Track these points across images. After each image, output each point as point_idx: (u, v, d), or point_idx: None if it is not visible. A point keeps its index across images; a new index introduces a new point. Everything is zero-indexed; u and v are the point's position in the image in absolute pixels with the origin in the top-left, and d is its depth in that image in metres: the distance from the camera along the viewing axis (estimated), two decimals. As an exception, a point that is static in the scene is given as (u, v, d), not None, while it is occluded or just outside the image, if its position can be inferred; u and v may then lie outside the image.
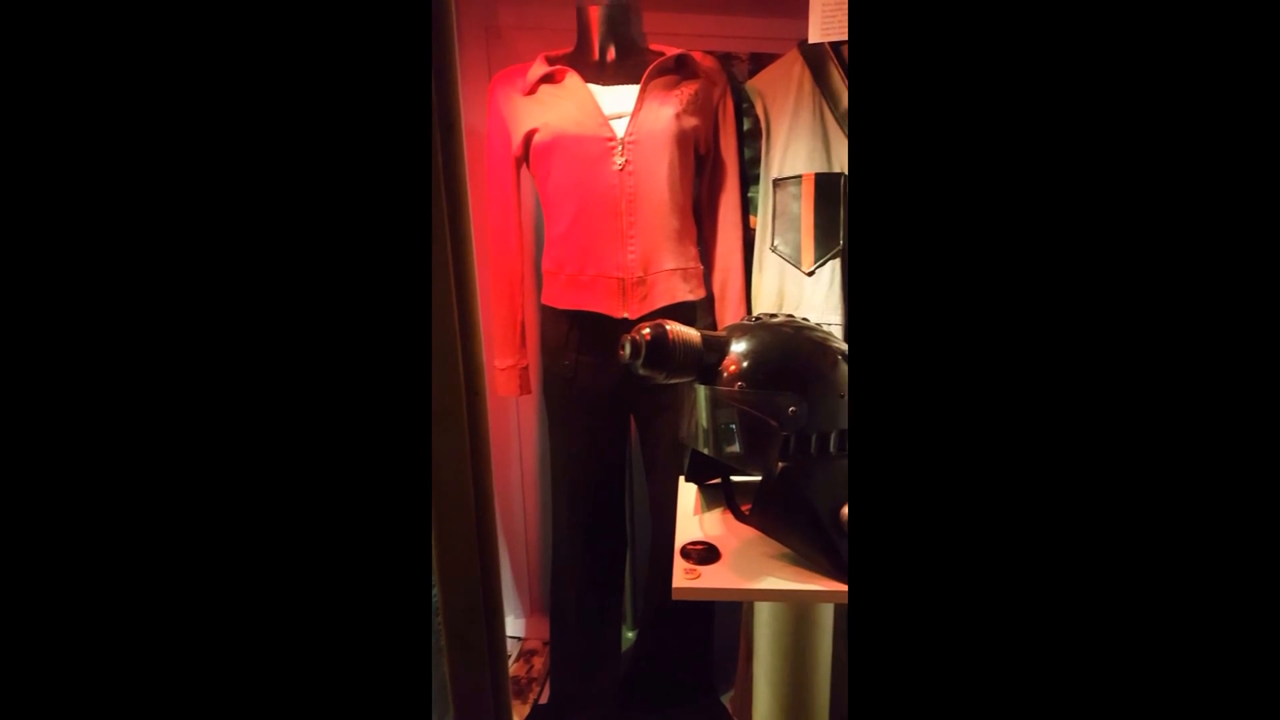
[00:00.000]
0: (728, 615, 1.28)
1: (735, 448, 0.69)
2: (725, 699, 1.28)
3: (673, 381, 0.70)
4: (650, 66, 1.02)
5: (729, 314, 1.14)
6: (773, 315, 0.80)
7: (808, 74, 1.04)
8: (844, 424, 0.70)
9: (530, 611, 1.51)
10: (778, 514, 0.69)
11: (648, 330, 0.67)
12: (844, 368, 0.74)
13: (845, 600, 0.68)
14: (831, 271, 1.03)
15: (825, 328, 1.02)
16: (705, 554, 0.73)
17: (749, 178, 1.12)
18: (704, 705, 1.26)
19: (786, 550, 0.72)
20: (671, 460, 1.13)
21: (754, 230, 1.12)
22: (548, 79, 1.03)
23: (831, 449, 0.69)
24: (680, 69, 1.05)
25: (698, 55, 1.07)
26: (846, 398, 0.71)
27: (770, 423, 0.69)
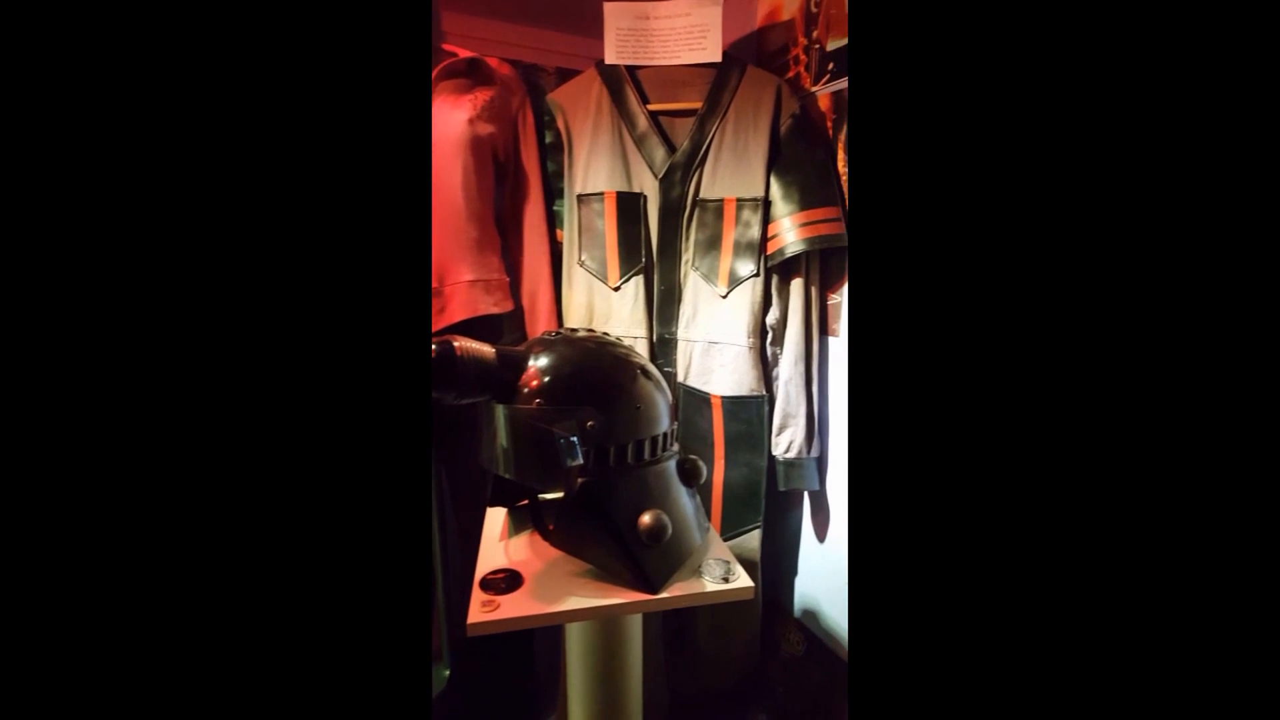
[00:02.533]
0: (551, 635, 1.25)
1: (535, 467, 0.68)
2: (551, 722, 1.25)
3: (465, 401, 0.66)
4: (439, 67, 0.97)
5: (540, 326, 1.13)
6: (574, 330, 0.81)
7: (605, 94, 1.08)
8: (641, 434, 0.73)
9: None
10: (579, 531, 0.69)
11: (434, 347, 0.62)
12: (643, 381, 0.77)
13: (648, 609, 0.71)
14: (636, 287, 1.08)
15: (629, 341, 1.06)
16: (507, 582, 0.70)
17: (554, 191, 1.12)
18: (529, 734, 1.22)
19: (590, 567, 0.72)
20: (480, 487, 1.07)
21: (562, 243, 1.12)
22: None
23: (629, 460, 0.71)
24: (473, 73, 1.01)
25: (493, 61, 1.04)
26: (643, 409, 0.74)
27: (568, 440, 0.69)
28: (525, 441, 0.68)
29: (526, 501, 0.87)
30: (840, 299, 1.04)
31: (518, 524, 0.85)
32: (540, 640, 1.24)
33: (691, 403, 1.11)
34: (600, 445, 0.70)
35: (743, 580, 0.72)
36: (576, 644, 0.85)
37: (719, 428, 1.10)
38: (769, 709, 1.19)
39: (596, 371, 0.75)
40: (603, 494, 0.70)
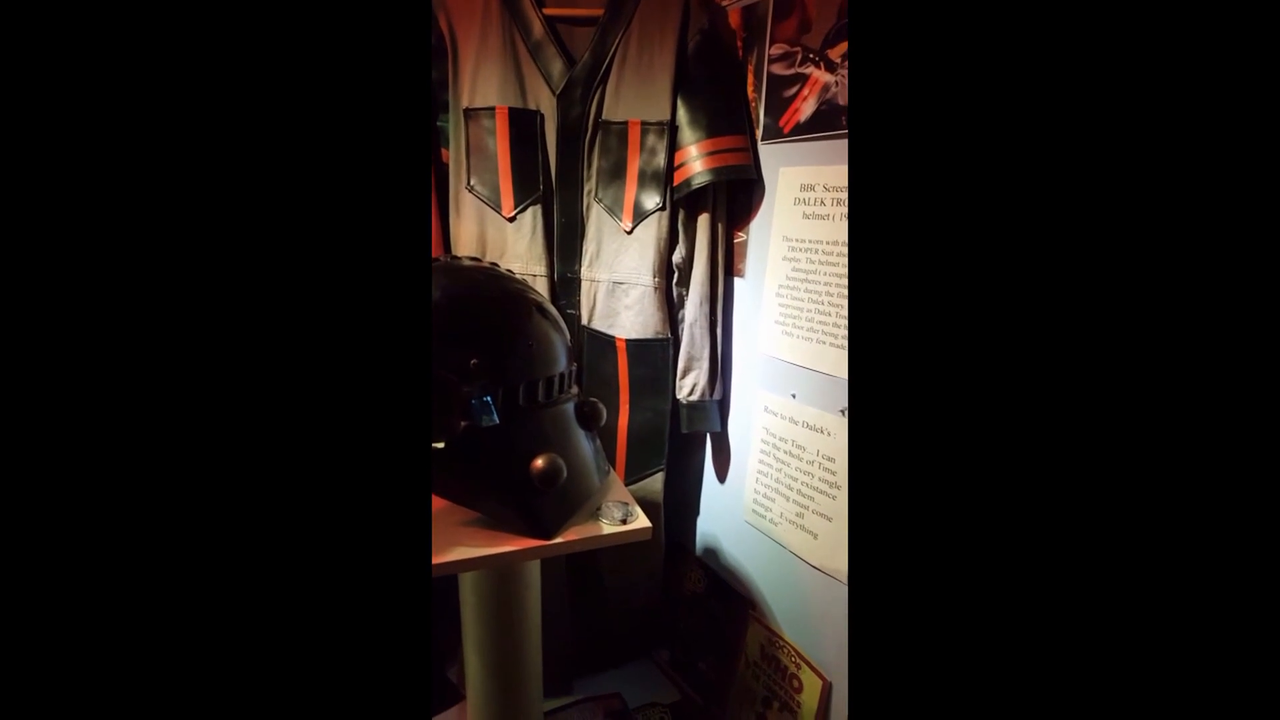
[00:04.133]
0: (447, 583, 1.20)
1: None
2: (451, 673, 1.22)
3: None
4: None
5: (424, 262, 1.02)
6: (459, 259, 0.72)
7: (496, -7, 0.95)
8: (535, 374, 0.68)
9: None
10: (465, 478, 0.63)
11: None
12: (538, 319, 0.71)
13: (543, 556, 0.67)
14: (533, 219, 0.99)
15: (527, 280, 0.98)
16: (381, 539, 0.63)
17: (437, 103, 0.99)
18: (432, 682, 1.18)
19: (481, 515, 0.67)
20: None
21: (447, 164, 1.00)
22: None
23: (521, 402, 0.66)
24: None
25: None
26: (536, 348, 0.69)
27: (450, 378, 0.62)
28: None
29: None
30: (745, 237, 1.02)
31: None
32: (436, 589, 1.19)
33: (596, 346, 1.06)
34: (486, 388, 0.64)
35: (641, 521, 0.71)
36: (471, 594, 0.81)
37: (624, 372, 1.07)
38: (671, 643, 1.24)
39: (485, 304, 0.68)
40: (490, 439, 0.65)
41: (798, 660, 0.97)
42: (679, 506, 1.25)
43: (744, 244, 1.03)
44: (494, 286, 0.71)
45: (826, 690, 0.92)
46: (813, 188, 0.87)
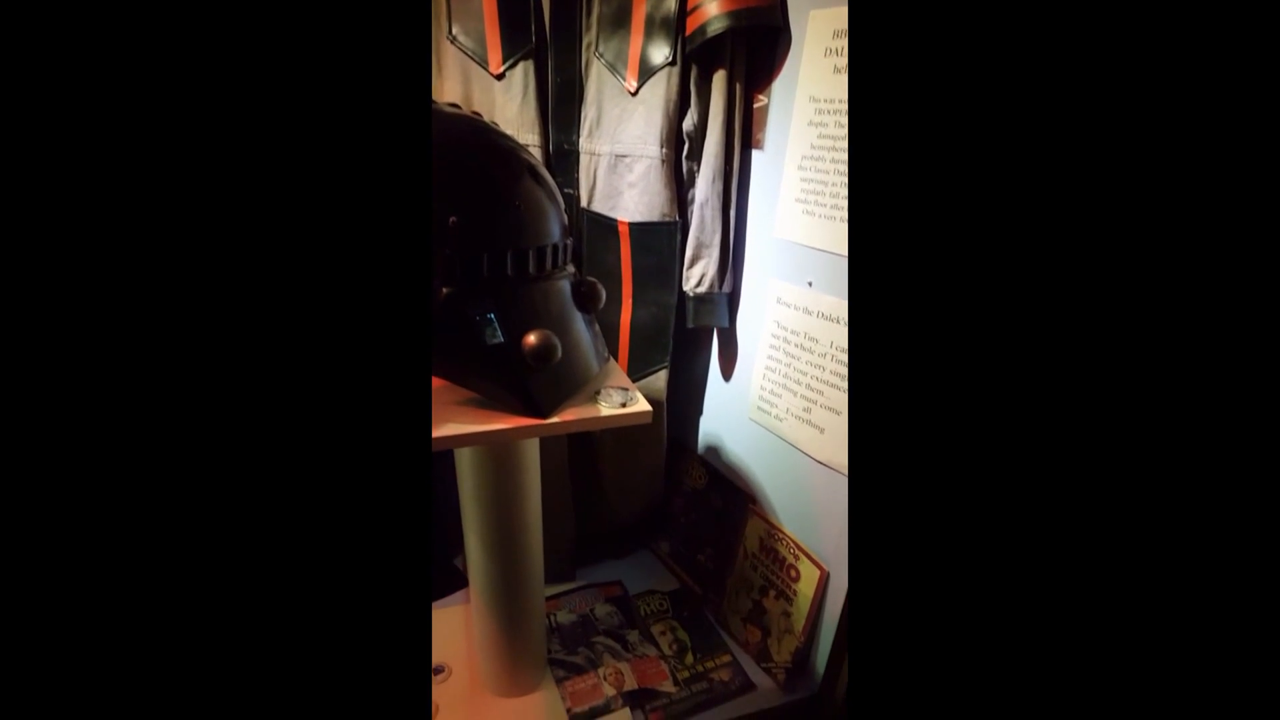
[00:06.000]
0: (450, 474, 1.22)
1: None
2: (458, 561, 1.27)
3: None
4: None
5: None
6: (450, 104, 0.64)
7: None
8: (524, 243, 0.62)
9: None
10: (456, 353, 0.59)
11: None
12: (529, 182, 0.64)
13: (538, 435, 0.65)
14: (524, 76, 0.89)
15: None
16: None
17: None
18: (437, 571, 1.23)
19: (478, 396, 0.64)
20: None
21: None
22: None
23: (510, 272, 0.61)
24: None
25: None
26: (525, 211, 0.62)
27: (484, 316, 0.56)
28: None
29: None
30: (767, 100, 0.91)
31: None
32: (440, 479, 1.20)
33: (597, 232, 0.99)
34: (469, 250, 0.59)
35: (641, 405, 0.68)
36: (469, 476, 0.80)
37: (627, 261, 1.00)
38: (671, 536, 1.27)
39: (467, 156, 0.61)
40: (474, 309, 0.60)
41: (796, 551, 0.99)
42: (682, 405, 1.23)
43: (764, 110, 0.92)
44: (479, 139, 0.63)
45: (824, 579, 0.94)
46: (847, 34, 0.76)
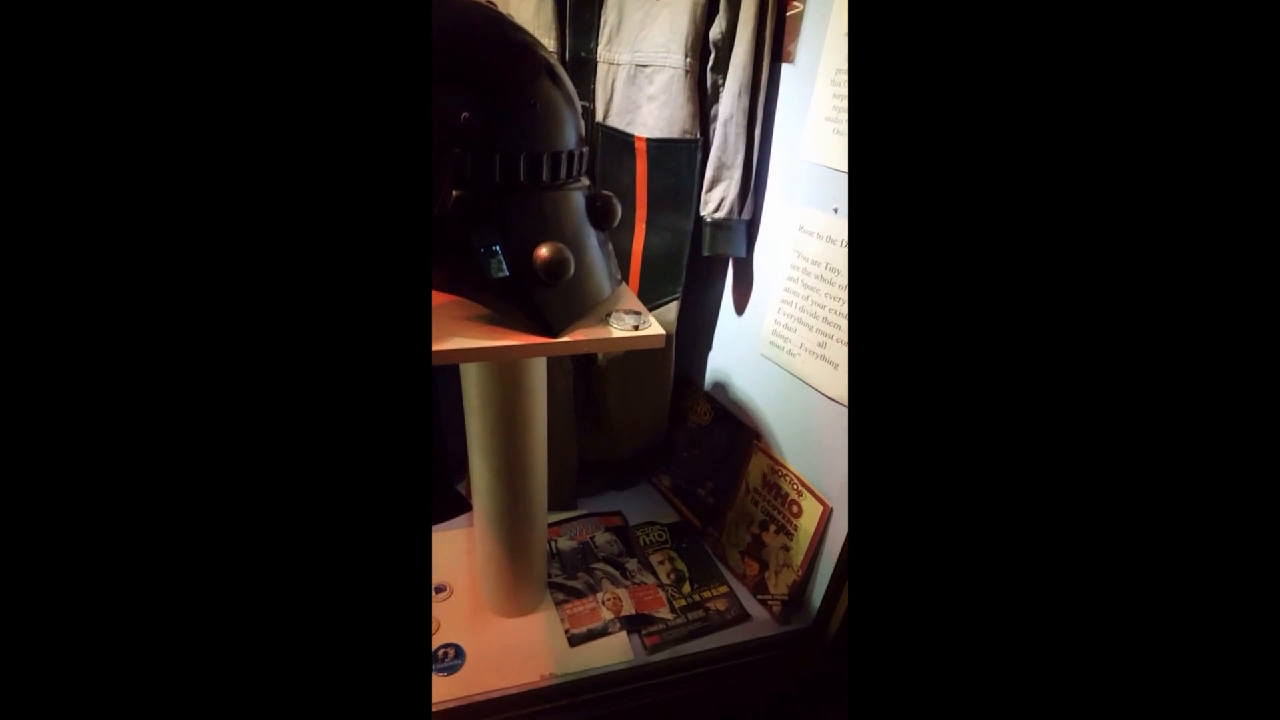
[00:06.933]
0: (455, 395, 1.22)
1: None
2: (460, 487, 1.29)
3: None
4: None
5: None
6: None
7: None
8: (538, 146, 0.58)
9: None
10: (461, 264, 0.57)
11: None
12: (546, 82, 0.59)
13: (547, 354, 0.63)
14: (539, -31, 0.81)
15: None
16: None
17: None
18: (439, 495, 1.25)
19: (485, 311, 0.62)
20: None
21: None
22: None
23: (523, 178, 0.57)
24: None
25: None
26: (541, 112, 0.58)
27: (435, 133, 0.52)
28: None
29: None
30: (802, 7, 0.84)
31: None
32: (443, 402, 1.20)
33: (611, 150, 0.94)
34: (480, 151, 0.55)
35: (654, 329, 0.66)
36: (474, 395, 0.79)
37: (642, 181, 0.96)
38: (673, 470, 1.28)
39: (482, 47, 0.56)
40: (485, 217, 0.57)
41: (800, 487, 0.99)
42: (692, 340, 1.21)
43: (799, 17, 0.85)
44: (495, 30, 0.58)
45: (826, 515, 0.95)
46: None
